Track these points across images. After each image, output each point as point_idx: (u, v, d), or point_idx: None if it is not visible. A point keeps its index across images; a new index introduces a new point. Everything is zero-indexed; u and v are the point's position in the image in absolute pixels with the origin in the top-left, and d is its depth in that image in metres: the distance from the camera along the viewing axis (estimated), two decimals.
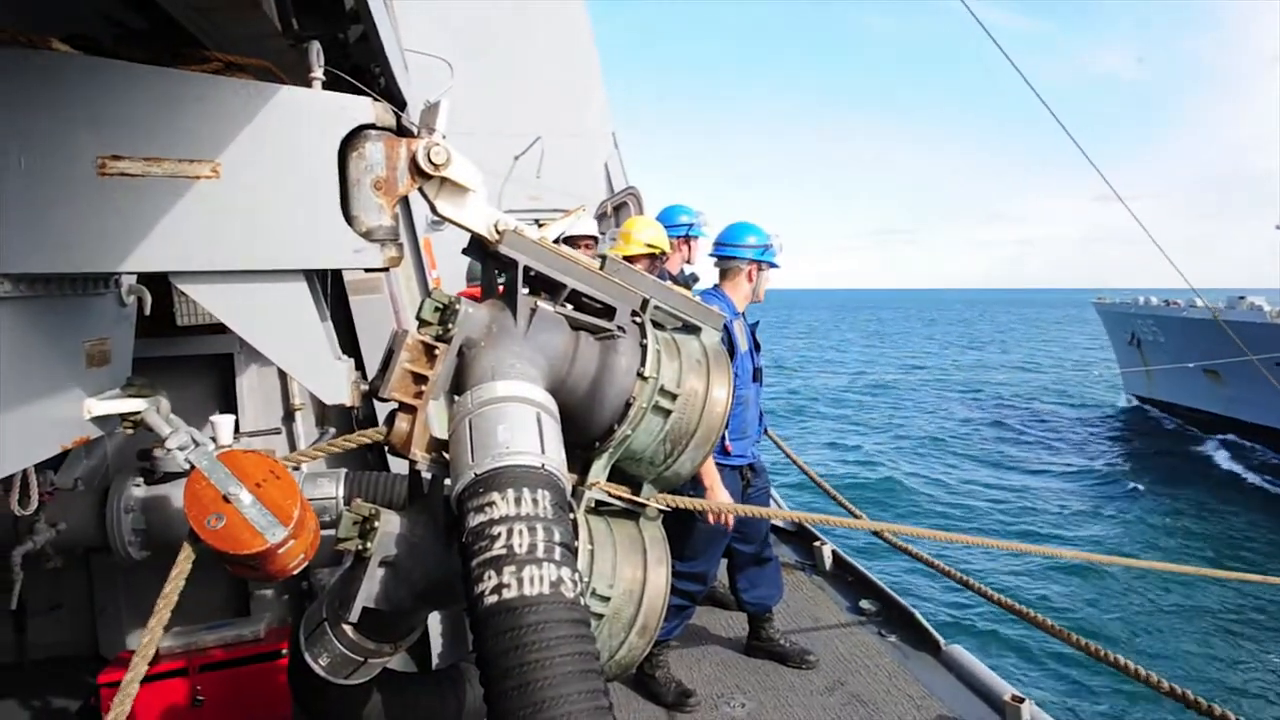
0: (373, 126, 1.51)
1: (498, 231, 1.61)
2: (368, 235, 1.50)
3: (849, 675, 3.84)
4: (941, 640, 4.05)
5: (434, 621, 3.02)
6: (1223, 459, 25.62)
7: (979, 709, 3.50)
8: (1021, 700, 3.29)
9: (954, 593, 11.56)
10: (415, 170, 1.53)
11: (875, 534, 3.67)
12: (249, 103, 1.43)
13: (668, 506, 1.90)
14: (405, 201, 3.42)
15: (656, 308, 1.81)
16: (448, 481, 1.42)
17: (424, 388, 1.53)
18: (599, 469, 1.75)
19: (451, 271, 4.41)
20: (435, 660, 3.09)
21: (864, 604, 4.60)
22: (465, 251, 1.74)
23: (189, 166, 1.38)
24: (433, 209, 1.61)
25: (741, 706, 3.61)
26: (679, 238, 4.74)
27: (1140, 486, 21.41)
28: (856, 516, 5.20)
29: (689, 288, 4.45)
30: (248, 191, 1.44)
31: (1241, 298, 27.60)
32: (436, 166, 1.52)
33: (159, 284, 1.86)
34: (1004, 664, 9.79)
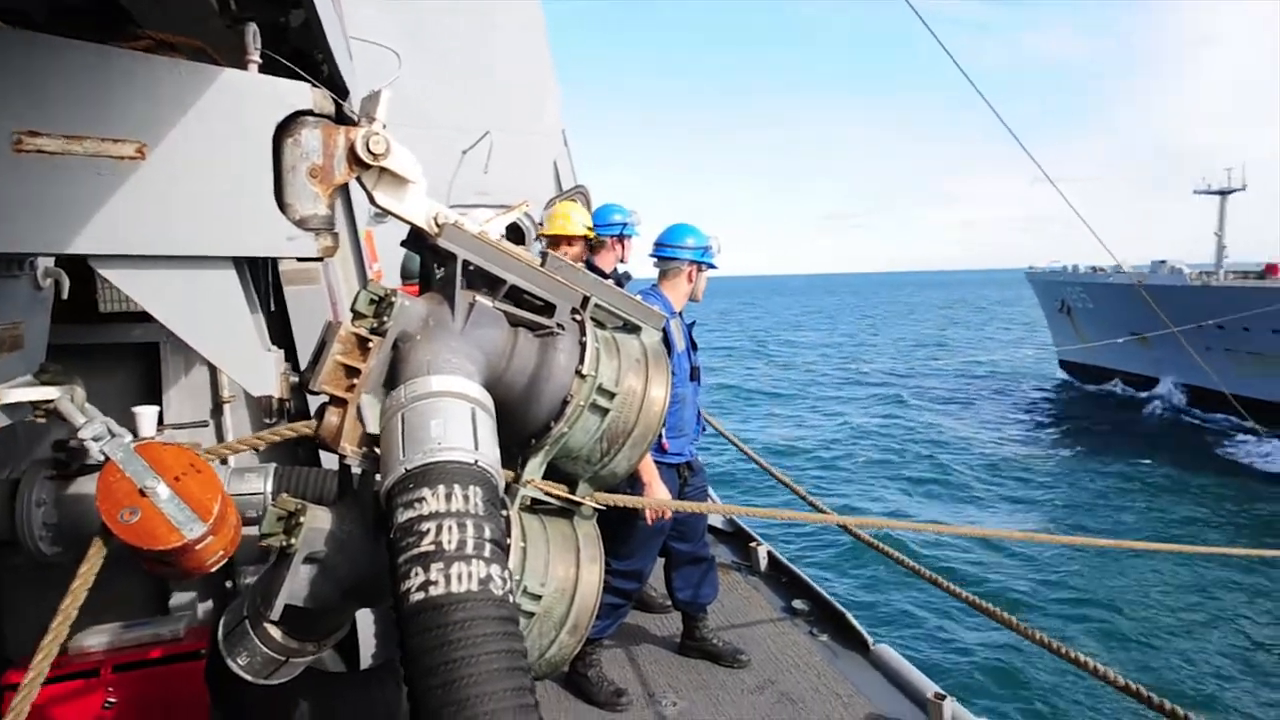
0: (310, 113, 1.48)
1: (437, 224, 1.59)
2: (302, 224, 1.47)
3: (779, 674, 3.90)
4: (870, 639, 4.14)
5: (365, 620, 2.97)
6: (1152, 419, 27.28)
7: (904, 706, 3.59)
8: (944, 698, 3.38)
9: (913, 585, 11.90)
10: (353, 159, 1.50)
11: (841, 527, 3.73)
12: (179, 83, 1.39)
13: (603, 505, 1.90)
14: (345, 192, 3.35)
15: (597, 306, 1.81)
16: (378, 477, 1.40)
17: (356, 381, 1.50)
18: (534, 466, 1.74)
19: (394, 265, 4.34)
20: (368, 659, 3.04)
21: (796, 604, 4.68)
22: (404, 244, 1.72)
23: (112, 146, 1.33)
24: (371, 199, 1.59)
25: (673, 705, 3.64)
26: (613, 236, 4.75)
27: (1074, 455, 22.63)
28: (820, 510, 5.25)
29: (622, 287, 4.46)
30: (175, 174, 1.39)
31: (1163, 262, 29.21)
32: (375, 156, 1.49)
33: (80, 268, 1.79)
34: (961, 661, 10.13)
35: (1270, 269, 27.36)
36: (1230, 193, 32.13)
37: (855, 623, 4.29)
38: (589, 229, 4.42)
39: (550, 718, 3.55)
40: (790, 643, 4.24)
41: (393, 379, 1.52)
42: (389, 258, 4.30)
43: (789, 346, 59.42)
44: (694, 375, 3.80)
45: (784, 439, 25.23)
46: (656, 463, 3.58)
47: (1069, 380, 36.25)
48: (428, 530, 1.21)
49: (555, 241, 4.55)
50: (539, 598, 1.64)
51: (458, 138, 7.49)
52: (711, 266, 3.84)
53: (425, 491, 1.25)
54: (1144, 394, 29.92)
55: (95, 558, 1.39)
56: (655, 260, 3.86)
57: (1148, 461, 21.69)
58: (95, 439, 1.50)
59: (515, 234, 6.34)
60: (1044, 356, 38.90)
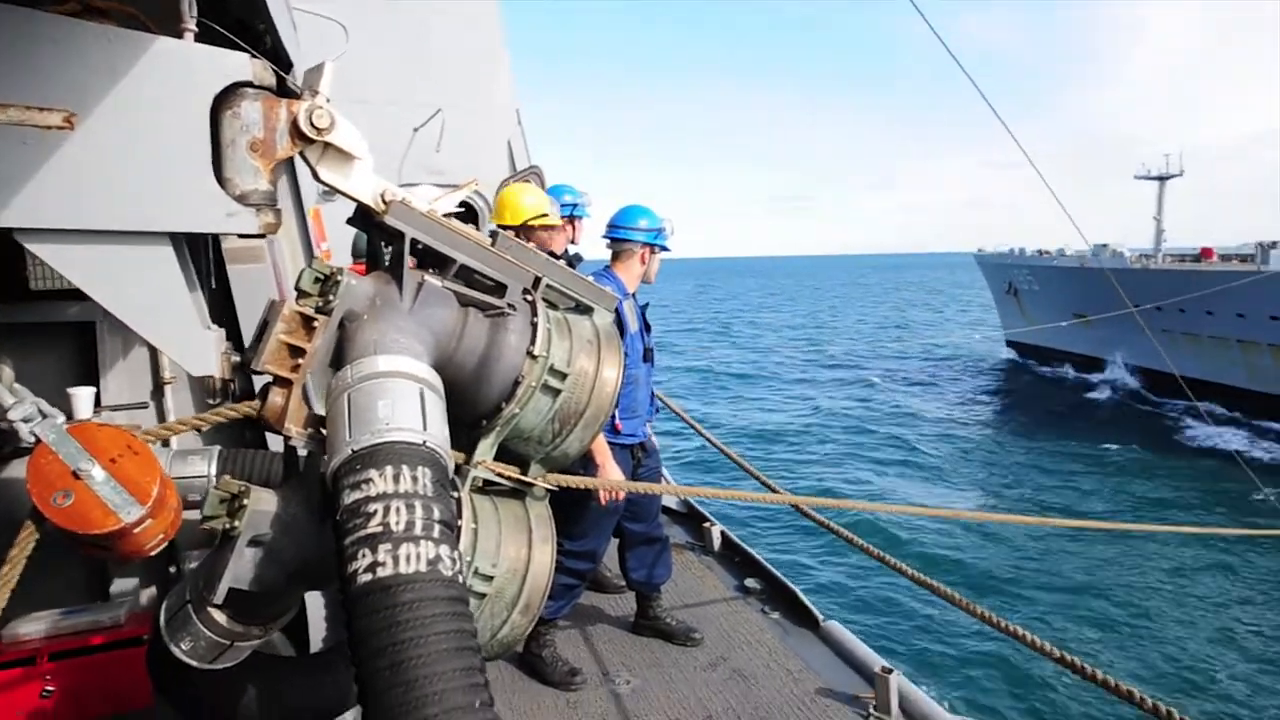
0: (250, 85, 1.43)
1: (384, 201, 1.56)
2: (242, 199, 1.43)
3: (732, 651, 3.96)
4: (820, 617, 4.23)
5: (315, 603, 2.93)
6: (1095, 399, 28.38)
7: (852, 680, 3.68)
8: (890, 671, 3.47)
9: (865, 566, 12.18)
10: (296, 134, 1.46)
11: (793, 507, 3.78)
12: (109, 50, 1.33)
13: (555, 486, 1.90)
14: (290, 167, 3.26)
15: (549, 286, 1.80)
16: (324, 458, 1.38)
17: (301, 361, 1.48)
18: (485, 448, 1.73)
19: (344, 244, 4.23)
20: (318, 642, 3.00)
21: (749, 583, 4.75)
22: (350, 221, 1.69)
23: (38, 115, 1.28)
24: (315, 175, 1.55)
25: (627, 683, 3.67)
26: (564, 218, 4.71)
27: (1017, 434, 23.43)
28: (773, 490, 5.30)
29: (574, 268, 4.39)
30: (107, 145, 1.34)
31: (1104, 246, 30.31)
32: (319, 131, 1.45)
33: (9, 244, 1.71)
34: (908, 636, 10.41)
35: (1205, 253, 28.53)
36: (1168, 178, 33.29)
37: (806, 600, 4.37)
38: (542, 215, 4.32)
39: (504, 699, 3.56)
40: (742, 621, 4.30)
41: (339, 359, 1.49)
42: (338, 237, 4.19)
43: (753, 328, 60.13)
44: (647, 356, 3.81)
45: (749, 421, 25.58)
46: (610, 444, 3.59)
47: (1016, 360, 37.37)
48: (375, 511, 1.20)
49: (528, 229, 4.41)
50: (490, 578, 1.64)
51: (409, 115, 7.34)
52: (664, 249, 3.84)
53: (372, 473, 1.23)
54: (1088, 375, 30.98)
55: (26, 542, 1.34)
56: (608, 242, 3.85)
57: (1089, 439, 22.53)
58: (25, 420, 1.44)
59: (469, 214, 6.22)
60: (994, 338, 40.04)
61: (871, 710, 3.41)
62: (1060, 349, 33.23)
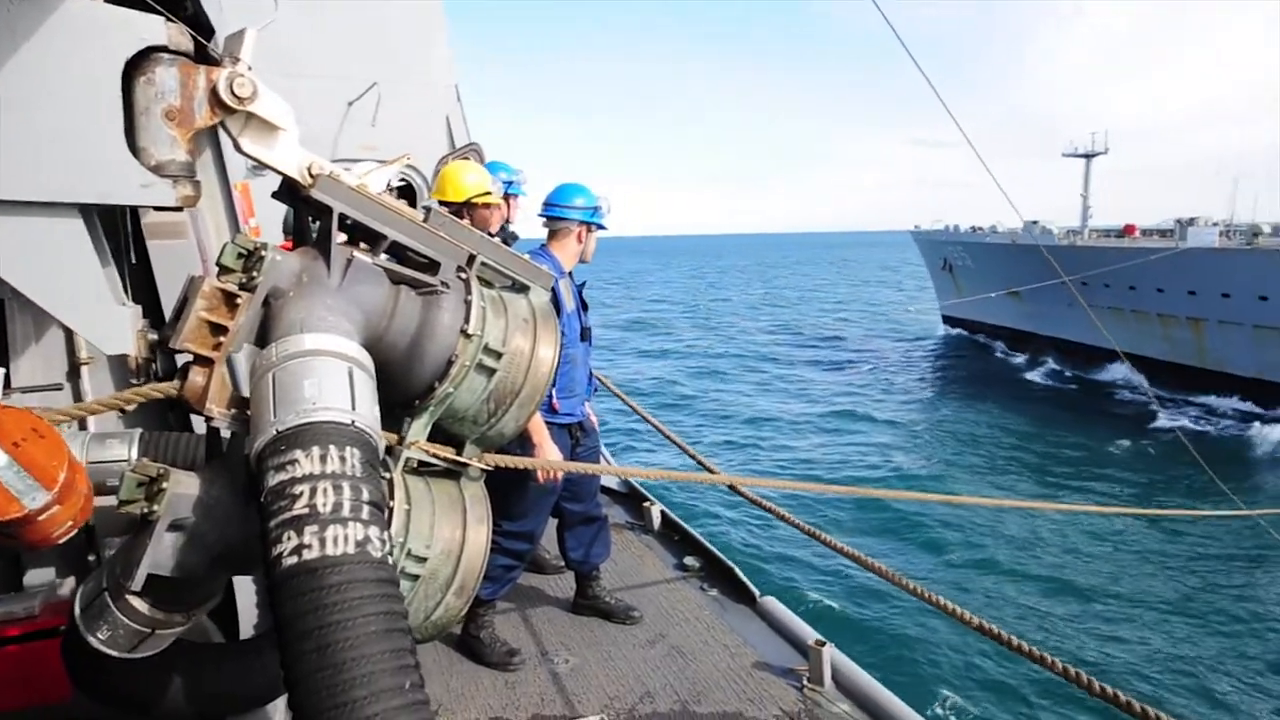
0: (165, 49, 1.37)
1: (311, 175, 1.51)
2: (158, 170, 1.37)
3: (670, 628, 4.01)
4: (757, 592, 4.31)
5: (246, 588, 2.86)
6: (1028, 372, 29.67)
7: (787, 653, 3.77)
8: (824, 644, 3.56)
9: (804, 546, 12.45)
10: (216, 102, 1.41)
11: (730, 487, 3.83)
12: (11, 11, 1.25)
13: (491, 466, 1.89)
14: (215, 138, 3.14)
15: (484, 264, 1.78)
16: (248, 439, 1.34)
17: (223, 339, 1.43)
18: (419, 428, 1.71)
19: (275, 220, 4.09)
20: (249, 629, 2.93)
21: (688, 561, 4.80)
22: (276, 195, 1.63)
23: None
24: (237, 146, 1.49)
25: (566, 662, 3.69)
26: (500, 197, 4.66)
27: (950, 409, 24.36)
28: (710, 471, 5.34)
29: (510, 247, 4.32)
30: (9, 111, 1.27)
31: (1035, 223, 31.58)
32: (240, 100, 1.40)
33: None
34: (841, 610, 10.71)
35: (1128, 229, 29.89)
36: (1094, 156, 34.65)
37: (743, 577, 4.45)
38: (484, 193, 4.25)
39: (441, 680, 3.54)
40: (681, 598, 4.36)
41: (264, 337, 1.45)
42: (270, 213, 4.05)
43: (722, 303, 60.71)
44: (585, 336, 3.80)
45: (687, 398, 25.85)
46: (548, 424, 3.57)
47: (951, 335, 38.62)
48: (301, 493, 1.17)
49: (470, 206, 4.32)
50: (424, 560, 1.62)
51: (343, 88, 7.12)
52: (601, 227, 3.82)
53: (298, 453, 1.21)
54: (1020, 349, 32.25)
55: None
56: (544, 220, 3.81)
57: (1020, 413, 23.46)
58: None
59: (407, 192, 6.10)
60: (931, 312, 41.28)
61: (805, 682, 3.50)
62: (993, 323, 34.48)
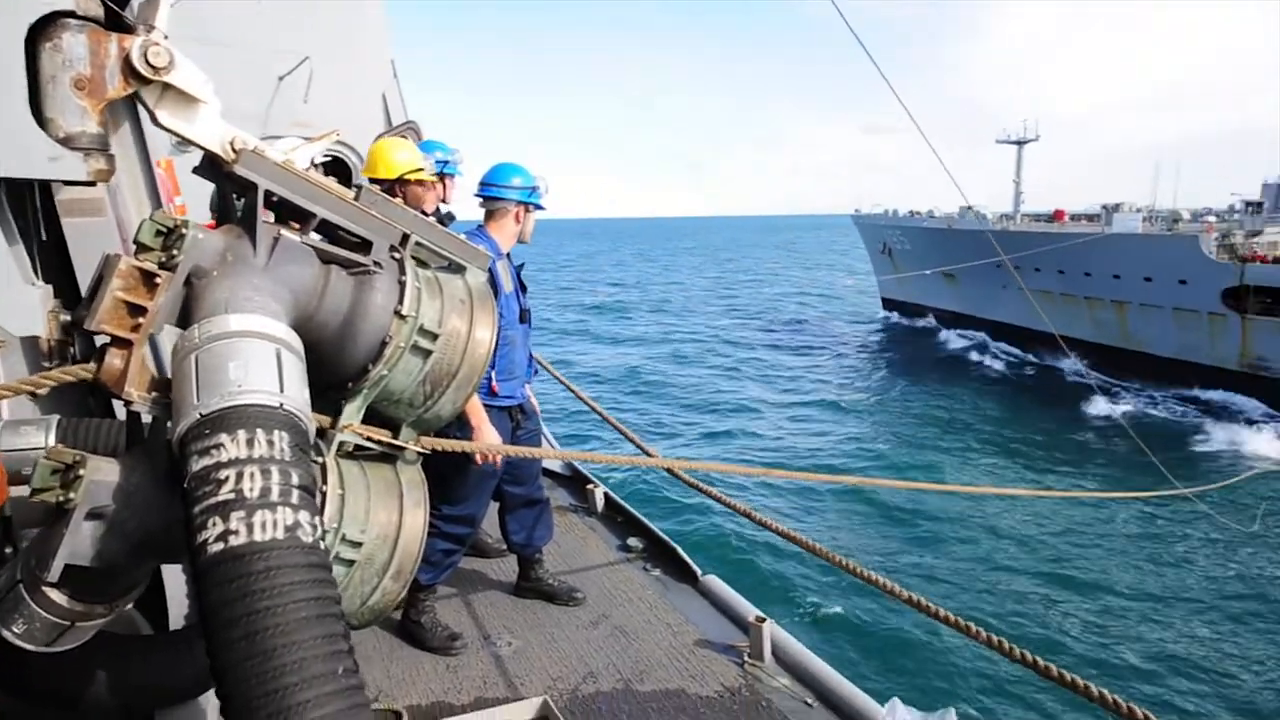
0: (72, 15, 1.30)
1: (234, 150, 1.46)
2: (67, 142, 1.30)
3: (613, 609, 4.04)
4: (699, 571, 4.37)
5: (176, 578, 2.77)
6: (963, 353, 30.64)
7: (729, 630, 3.83)
8: (764, 620, 3.63)
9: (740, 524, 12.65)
10: (129, 72, 1.34)
11: (668, 471, 3.85)
12: None
13: (428, 449, 1.86)
14: (133, 111, 3.00)
15: (418, 244, 1.75)
16: (170, 424, 1.29)
17: (142, 320, 1.37)
18: (352, 411, 1.67)
19: (204, 199, 3.93)
20: (180, 620, 2.84)
21: (631, 542, 4.83)
22: (197, 171, 1.57)
23: None
24: (154, 119, 1.43)
25: (509, 645, 3.69)
26: (435, 175, 4.57)
27: (891, 392, 24.94)
28: (648, 454, 5.36)
29: (446, 227, 4.24)
30: None
31: (970, 208, 32.65)
32: (156, 70, 1.34)
33: None
34: (780, 587, 10.94)
35: (1057, 215, 31.01)
36: (1025, 142, 35.78)
37: (686, 557, 4.50)
38: (416, 170, 4.16)
39: (382, 667, 3.50)
40: (624, 579, 4.39)
41: (186, 319, 1.40)
42: (197, 191, 3.89)
43: (675, 285, 60.84)
44: (524, 317, 3.76)
45: (628, 377, 25.94)
46: (487, 406, 3.54)
47: (889, 317, 39.61)
48: (226, 478, 1.14)
49: (403, 183, 4.19)
50: (359, 545, 1.60)
51: (273, 62, 6.86)
52: (539, 208, 3.78)
53: (223, 437, 1.17)
54: (955, 330, 33.23)
55: None
56: (481, 200, 3.75)
57: (956, 395, 24.22)
58: None
59: (341, 170, 5.93)
60: (871, 296, 42.19)
61: (746, 658, 3.56)
62: (931, 305, 35.46)
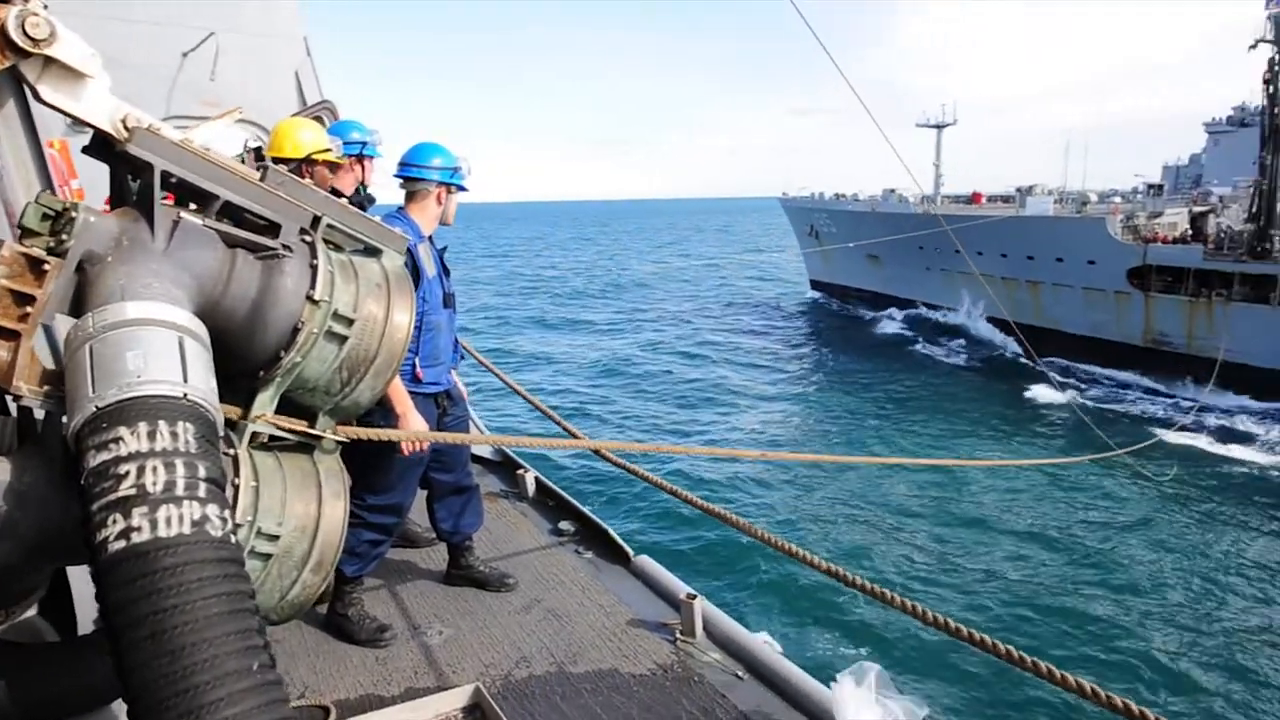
0: None
1: (126, 128, 1.38)
2: None
3: (546, 593, 4.03)
4: (631, 552, 4.39)
5: (83, 580, 2.64)
6: (888, 331, 31.68)
7: (661, 609, 3.87)
8: (694, 598, 3.69)
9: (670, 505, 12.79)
10: (6, 44, 1.26)
11: (594, 452, 3.85)
12: None
13: (346, 438, 1.82)
14: (19, 89, 2.81)
15: (330, 227, 1.70)
16: (64, 419, 1.23)
17: (30, 309, 1.30)
18: (265, 400, 1.62)
19: (103, 182, 3.71)
20: (88, 624, 2.71)
21: (563, 525, 4.83)
22: (86, 151, 1.48)
23: None
24: (35, 95, 1.35)
25: (439, 634, 3.65)
26: (353, 156, 4.43)
27: (819, 372, 25.66)
28: (575, 436, 5.34)
29: (365, 211, 4.14)
30: None
31: (893, 191, 33.66)
32: (36, 43, 1.26)
33: None
34: (710, 564, 11.13)
35: (975, 197, 32.16)
36: (944, 126, 36.94)
37: (617, 538, 4.52)
38: (324, 150, 4.01)
39: (308, 663, 3.42)
40: (556, 562, 4.38)
41: (79, 307, 1.33)
42: (96, 175, 3.68)
43: (623, 272, 60.80)
44: (448, 302, 3.68)
45: (558, 363, 25.84)
46: (412, 393, 3.46)
47: (818, 299, 40.51)
48: (127, 473, 1.09)
49: (311, 163, 4.03)
50: (276, 538, 1.56)
51: (176, 37, 6.52)
52: (462, 188, 3.70)
53: (122, 430, 1.12)
54: (879, 311, 34.24)
55: None
56: (400, 182, 3.65)
57: (882, 372, 25.02)
58: None
59: (256, 154, 5.69)
60: (802, 276, 43.06)
61: (678, 635, 3.61)
62: (856, 287, 36.39)
